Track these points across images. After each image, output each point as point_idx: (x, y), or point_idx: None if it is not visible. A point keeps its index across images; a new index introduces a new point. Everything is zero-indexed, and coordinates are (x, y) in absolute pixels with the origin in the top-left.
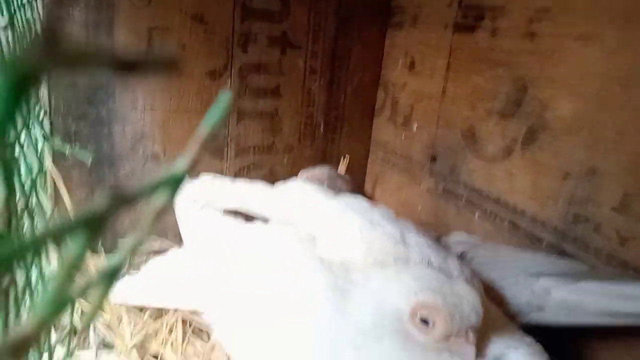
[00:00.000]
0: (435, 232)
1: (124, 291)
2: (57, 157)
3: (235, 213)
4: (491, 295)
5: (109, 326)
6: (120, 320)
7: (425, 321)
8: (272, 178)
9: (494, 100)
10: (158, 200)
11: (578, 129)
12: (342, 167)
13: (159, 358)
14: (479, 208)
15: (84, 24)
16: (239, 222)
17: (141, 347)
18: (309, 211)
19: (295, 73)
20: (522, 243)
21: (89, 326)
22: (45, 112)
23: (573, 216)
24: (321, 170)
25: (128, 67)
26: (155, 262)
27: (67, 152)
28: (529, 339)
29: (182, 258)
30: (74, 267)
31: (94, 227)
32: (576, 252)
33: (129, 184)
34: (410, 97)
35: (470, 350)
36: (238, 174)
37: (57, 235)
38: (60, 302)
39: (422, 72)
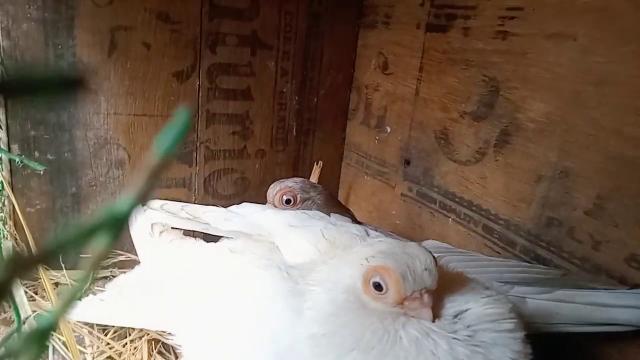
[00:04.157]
0: (409, 238)
1: (87, 310)
2: (15, 166)
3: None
4: None
5: (69, 348)
6: (81, 341)
7: (378, 286)
8: (243, 184)
9: (466, 101)
10: (98, 244)
11: (551, 130)
12: (315, 174)
13: None
14: (452, 212)
15: (41, 23)
16: (200, 243)
17: None
18: (267, 223)
19: (266, 74)
20: (496, 247)
21: None
22: None
23: (546, 219)
24: (293, 182)
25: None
26: (120, 280)
27: (17, 161)
28: (491, 291)
29: (146, 277)
30: None
31: None
32: (549, 256)
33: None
34: (383, 99)
35: (427, 313)
36: (208, 180)
37: None
38: None
39: (395, 73)
